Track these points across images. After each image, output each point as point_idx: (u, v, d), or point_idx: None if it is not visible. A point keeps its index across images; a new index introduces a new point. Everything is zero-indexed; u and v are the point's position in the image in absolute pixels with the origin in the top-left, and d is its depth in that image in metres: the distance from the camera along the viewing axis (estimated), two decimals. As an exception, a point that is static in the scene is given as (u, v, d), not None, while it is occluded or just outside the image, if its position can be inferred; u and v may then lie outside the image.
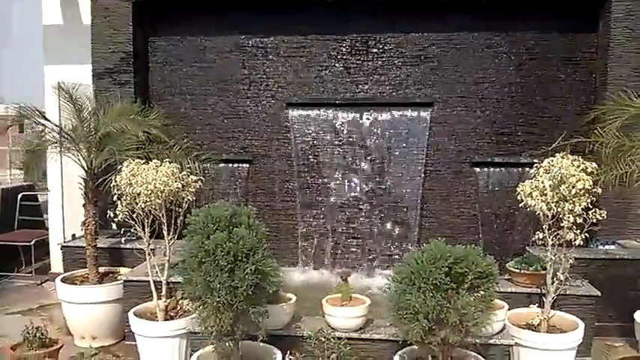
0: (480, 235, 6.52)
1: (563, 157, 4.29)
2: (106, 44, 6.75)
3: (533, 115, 6.53)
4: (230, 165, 6.89)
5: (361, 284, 5.94)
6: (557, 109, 6.49)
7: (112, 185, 4.83)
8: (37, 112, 5.82)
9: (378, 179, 6.71)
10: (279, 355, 4.21)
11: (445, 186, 6.68)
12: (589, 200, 4.26)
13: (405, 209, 6.67)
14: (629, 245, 5.89)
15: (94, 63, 6.79)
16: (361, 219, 6.75)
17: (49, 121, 5.82)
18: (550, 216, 4.26)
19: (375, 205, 6.72)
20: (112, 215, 4.77)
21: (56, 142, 5.72)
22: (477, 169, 6.58)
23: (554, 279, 4.41)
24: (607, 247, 5.82)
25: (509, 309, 4.57)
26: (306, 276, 6.65)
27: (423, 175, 6.62)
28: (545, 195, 4.21)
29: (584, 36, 6.42)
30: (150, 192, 4.54)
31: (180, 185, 4.67)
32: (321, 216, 6.83)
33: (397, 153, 6.67)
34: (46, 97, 7.06)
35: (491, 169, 6.54)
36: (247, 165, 6.91)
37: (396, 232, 6.66)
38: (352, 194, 6.75)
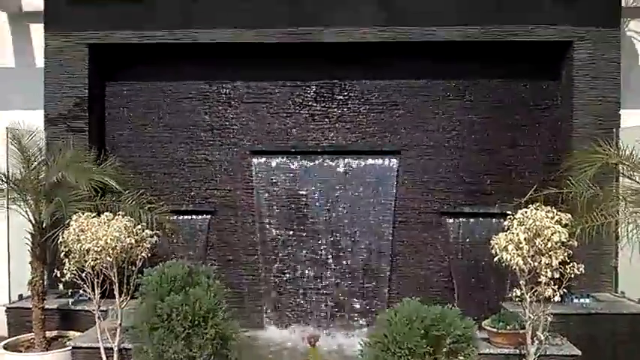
0: (454, 290, 6.31)
1: (537, 209, 4.15)
2: (60, 89, 6.45)
3: (500, 163, 6.47)
4: (191, 217, 6.58)
5: (330, 346, 5.64)
6: (525, 157, 6.44)
7: (60, 241, 4.46)
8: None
9: (346, 231, 6.46)
10: None
11: (415, 237, 6.50)
12: (565, 254, 4.10)
13: (374, 262, 6.42)
14: (604, 298, 5.77)
15: (46, 108, 6.48)
16: (329, 273, 6.47)
17: (-6, 170, 5.44)
18: (527, 271, 4.09)
19: (343, 258, 6.46)
20: (58, 274, 4.38)
21: (1, 192, 5.32)
22: (448, 220, 6.42)
23: (534, 338, 4.19)
24: (582, 300, 5.64)
25: (486, 371, 4.33)
26: (273, 338, 6.24)
27: (392, 226, 6.42)
28: (521, 249, 4.05)
29: (549, 84, 6.46)
30: (100, 249, 4.21)
31: (133, 241, 4.35)
32: (287, 271, 6.51)
33: (365, 203, 6.46)
34: (-7, 143, 6.66)
35: (462, 220, 6.39)
36: (209, 217, 6.60)
37: (366, 286, 6.39)
38: (319, 247, 6.48)
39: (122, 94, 6.78)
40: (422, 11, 6.15)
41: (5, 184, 5.35)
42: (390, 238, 6.40)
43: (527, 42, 6.15)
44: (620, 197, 4.38)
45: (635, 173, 4.55)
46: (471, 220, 6.34)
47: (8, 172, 5.51)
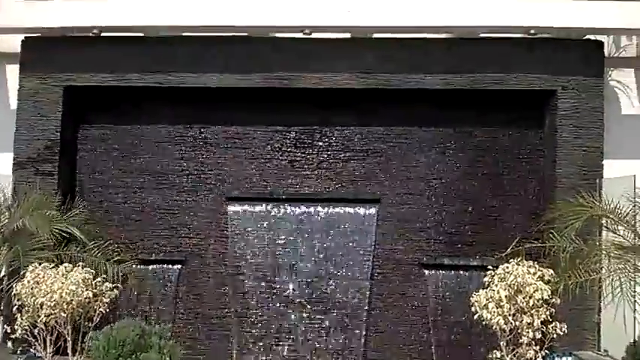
0: (432, 348, 6.02)
1: (518, 264, 3.97)
2: (32, 131, 6.27)
3: (482, 213, 6.32)
4: (159, 266, 6.28)
5: None
6: (507, 208, 6.29)
7: (13, 294, 4.19)
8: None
9: (322, 283, 6.20)
10: None
11: (393, 290, 6.25)
12: (547, 312, 3.90)
13: (350, 316, 6.13)
14: (587, 357, 5.49)
15: (16, 150, 6.28)
16: (303, 328, 6.14)
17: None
18: (508, 331, 3.87)
19: (319, 311, 6.16)
20: (8, 330, 4.09)
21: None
22: (427, 272, 6.20)
23: (515, 403, 3.95)
24: (564, 359, 5.38)
25: None
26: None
27: (369, 278, 6.18)
28: (502, 307, 3.85)
29: (532, 133, 6.38)
30: (54, 303, 3.96)
31: (91, 295, 4.10)
32: (259, 325, 6.18)
33: (342, 253, 6.24)
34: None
35: (441, 272, 6.17)
36: (179, 266, 6.31)
37: (341, 342, 6.06)
38: (293, 299, 6.18)
39: (95, 137, 6.60)
40: (405, 59, 6.11)
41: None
42: (368, 292, 6.15)
43: (510, 90, 6.11)
44: (604, 252, 4.20)
45: (619, 227, 4.40)
46: (451, 272, 6.12)
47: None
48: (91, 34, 6.21)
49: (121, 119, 6.58)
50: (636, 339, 4.54)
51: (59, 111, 6.27)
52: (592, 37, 6.13)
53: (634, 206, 4.29)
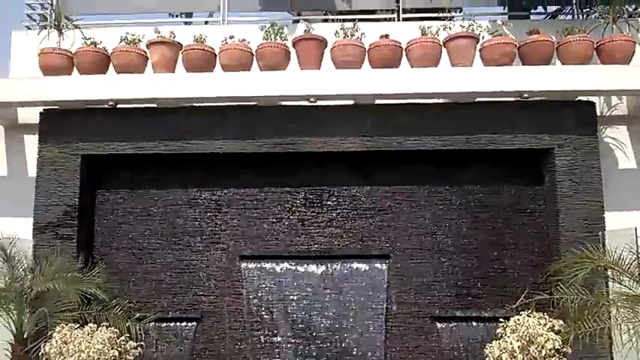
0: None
1: (529, 316, 4.12)
2: (50, 197, 6.48)
3: (489, 267, 6.45)
4: (176, 324, 6.40)
5: None
6: (513, 261, 6.43)
7: (41, 354, 4.32)
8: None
9: (336, 337, 6.31)
10: None
11: (407, 342, 6.34)
12: (560, 361, 4.04)
13: (366, 371, 6.23)
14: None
15: (35, 216, 6.46)
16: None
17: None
18: (523, 382, 4.00)
19: (337, 365, 6.27)
20: (37, 391, 4.22)
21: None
22: (439, 325, 6.32)
23: None
24: None
25: None
26: None
27: (383, 331, 6.29)
28: (515, 357, 3.98)
29: (532, 189, 6.59)
30: (82, 362, 4.07)
31: (117, 353, 4.24)
32: (277, 381, 6.29)
33: (355, 308, 6.37)
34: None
35: (453, 324, 6.28)
36: (195, 324, 6.43)
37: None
38: (309, 354, 6.28)
39: (112, 202, 6.81)
40: (404, 122, 6.41)
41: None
42: (382, 345, 6.25)
43: (507, 150, 6.37)
44: (612, 302, 4.37)
45: (623, 277, 4.58)
46: (463, 324, 6.22)
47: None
48: (106, 106, 6.55)
49: (136, 184, 6.81)
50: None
51: (77, 178, 6.49)
52: (583, 98, 6.45)
53: (637, 257, 4.46)
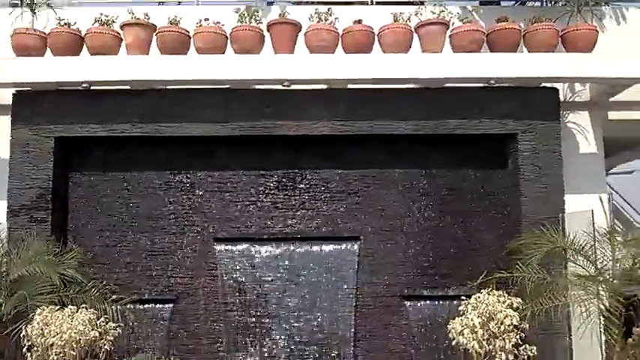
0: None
1: (489, 294, 4.38)
2: (24, 180, 6.48)
3: (455, 247, 6.72)
4: (152, 305, 6.53)
5: None
6: (478, 242, 6.70)
7: (22, 335, 4.43)
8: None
9: (308, 316, 6.53)
10: None
11: (377, 321, 6.60)
12: (518, 336, 4.31)
13: (337, 347, 6.46)
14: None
15: (9, 199, 6.47)
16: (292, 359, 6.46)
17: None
18: (482, 354, 4.26)
19: (308, 343, 6.48)
20: (18, 370, 4.34)
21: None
22: (407, 303, 6.58)
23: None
24: None
25: None
26: None
27: (354, 310, 6.53)
28: (476, 332, 4.24)
29: (496, 172, 6.85)
30: (64, 342, 4.20)
31: (97, 334, 4.36)
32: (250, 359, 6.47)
33: (327, 288, 6.58)
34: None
35: (421, 303, 6.56)
36: (171, 305, 6.58)
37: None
38: (283, 333, 6.50)
39: (85, 184, 6.84)
40: (376, 107, 6.58)
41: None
42: (352, 323, 6.49)
43: (473, 134, 6.61)
44: (568, 281, 4.65)
45: (579, 257, 4.87)
46: (430, 302, 6.49)
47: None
48: (80, 88, 6.54)
49: (109, 167, 6.85)
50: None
51: (50, 160, 6.49)
52: (548, 84, 6.71)
53: (593, 239, 4.74)
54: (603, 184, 7.20)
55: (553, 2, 7.77)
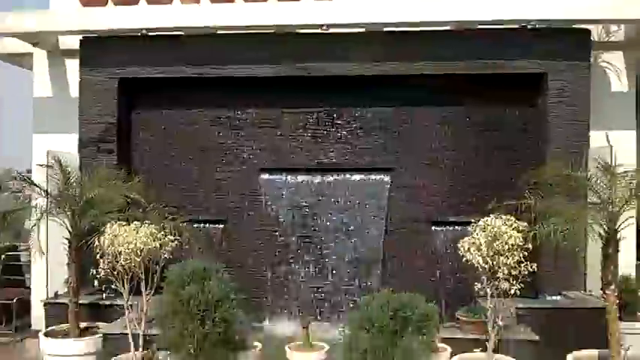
0: (439, 289, 6.92)
1: (496, 218, 4.88)
2: (92, 116, 7.31)
3: (483, 180, 7.09)
4: (206, 225, 7.40)
5: (325, 333, 6.09)
6: (506, 175, 6.93)
7: (95, 245, 5.29)
8: (27, 179, 6.31)
9: (343, 237, 7.22)
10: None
11: (406, 243, 7.21)
12: (522, 254, 4.81)
13: (369, 265, 7.15)
14: (574, 296, 6.46)
15: (80, 133, 7.34)
16: (327, 274, 7.21)
17: (38, 187, 6.30)
18: (487, 268, 4.81)
19: (342, 261, 7.21)
20: (94, 273, 5.21)
21: (43, 208, 6.15)
22: (435, 228, 7.17)
23: (495, 325, 4.91)
24: (554, 297, 6.38)
25: (456, 353, 5.04)
26: (276, 328, 6.99)
27: (384, 233, 7.17)
28: (481, 250, 4.77)
29: (528, 111, 7.14)
30: (130, 251, 5.00)
31: (158, 245, 5.14)
32: (290, 273, 7.27)
33: (360, 214, 7.22)
34: (33, 163, 7.59)
35: (447, 228, 7.11)
36: (222, 225, 7.42)
37: (361, 287, 7.08)
38: (319, 251, 7.25)
39: (145, 120, 7.64)
40: (414, 49, 6.96)
41: (46, 199, 6.22)
42: (382, 244, 7.15)
43: (506, 74, 6.89)
44: (572, 208, 5.04)
45: (590, 190, 5.25)
46: (456, 227, 6.94)
47: (48, 188, 6.36)
48: (138, 34, 7.20)
49: (166, 105, 7.59)
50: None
51: (114, 99, 7.30)
52: (580, 26, 6.84)
53: (604, 173, 5.09)
54: (632, 122, 7.39)
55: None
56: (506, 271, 4.74)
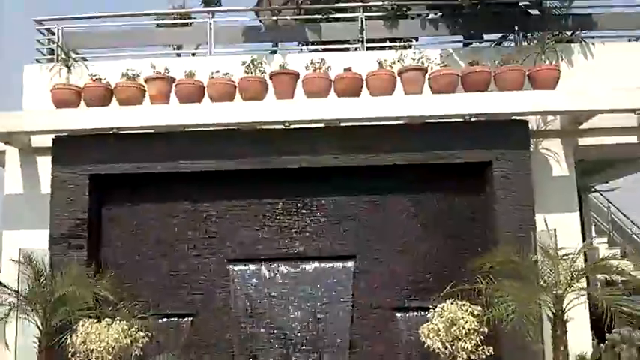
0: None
1: (452, 303, 5.24)
2: (63, 212, 7.50)
3: (439, 265, 7.50)
4: (174, 319, 7.50)
5: None
6: (458, 260, 7.33)
7: (67, 343, 5.41)
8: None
9: (310, 326, 7.41)
10: None
11: (371, 329, 7.43)
12: (478, 338, 5.14)
13: (336, 353, 7.31)
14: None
15: (51, 229, 7.49)
16: (296, 360, 7.36)
17: (6, 287, 6.40)
18: (447, 353, 5.11)
19: (310, 350, 7.36)
20: (66, 372, 5.30)
21: (12, 307, 6.24)
22: (398, 314, 7.44)
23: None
24: None
25: None
26: None
27: (350, 320, 7.40)
28: (439, 335, 5.09)
29: (477, 198, 7.65)
30: (102, 348, 5.15)
31: (129, 341, 5.30)
32: (259, 364, 7.39)
33: (327, 301, 7.48)
34: (3, 259, 7.67)
35: (410, 314, 7.37)
36: (190, 318, 7.55)
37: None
38: (289, 341, 7.39)
39: (116, 216, 7.86)
40: (369, 142, 7.50)
41: (16, 298, 6.33)
42: (349, 331, 7.36)
43: (454, 164, 7.44)
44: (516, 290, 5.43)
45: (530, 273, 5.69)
46: (417, 313, 7.20)
47: (19, 286, 6.49)
48: (110, 133, 7.58)
49: (137, 200, 7.86)
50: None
51: (86, 195, 7.52)
52: (518, 117, 7.53)
53: (542, 256, 5.55)
54: (574, 204, 7.97)
55: (528, 42, 8.63)
56: (465, 356, 5.04)
